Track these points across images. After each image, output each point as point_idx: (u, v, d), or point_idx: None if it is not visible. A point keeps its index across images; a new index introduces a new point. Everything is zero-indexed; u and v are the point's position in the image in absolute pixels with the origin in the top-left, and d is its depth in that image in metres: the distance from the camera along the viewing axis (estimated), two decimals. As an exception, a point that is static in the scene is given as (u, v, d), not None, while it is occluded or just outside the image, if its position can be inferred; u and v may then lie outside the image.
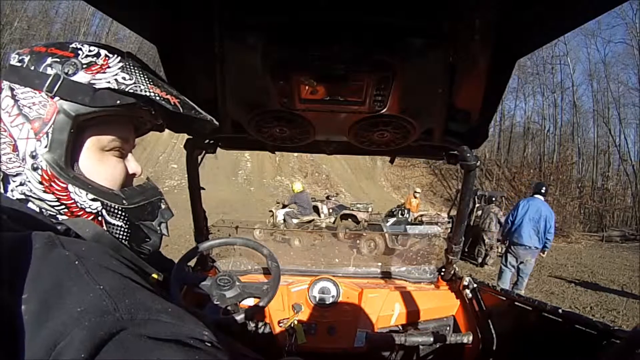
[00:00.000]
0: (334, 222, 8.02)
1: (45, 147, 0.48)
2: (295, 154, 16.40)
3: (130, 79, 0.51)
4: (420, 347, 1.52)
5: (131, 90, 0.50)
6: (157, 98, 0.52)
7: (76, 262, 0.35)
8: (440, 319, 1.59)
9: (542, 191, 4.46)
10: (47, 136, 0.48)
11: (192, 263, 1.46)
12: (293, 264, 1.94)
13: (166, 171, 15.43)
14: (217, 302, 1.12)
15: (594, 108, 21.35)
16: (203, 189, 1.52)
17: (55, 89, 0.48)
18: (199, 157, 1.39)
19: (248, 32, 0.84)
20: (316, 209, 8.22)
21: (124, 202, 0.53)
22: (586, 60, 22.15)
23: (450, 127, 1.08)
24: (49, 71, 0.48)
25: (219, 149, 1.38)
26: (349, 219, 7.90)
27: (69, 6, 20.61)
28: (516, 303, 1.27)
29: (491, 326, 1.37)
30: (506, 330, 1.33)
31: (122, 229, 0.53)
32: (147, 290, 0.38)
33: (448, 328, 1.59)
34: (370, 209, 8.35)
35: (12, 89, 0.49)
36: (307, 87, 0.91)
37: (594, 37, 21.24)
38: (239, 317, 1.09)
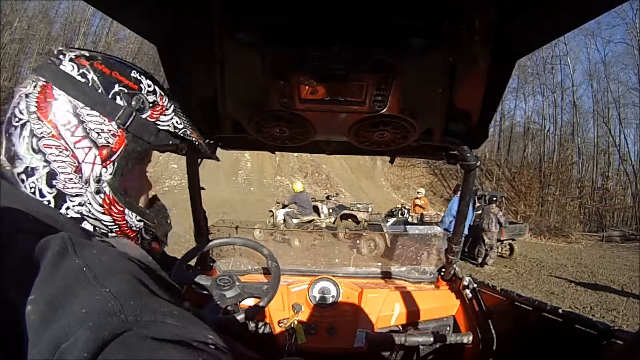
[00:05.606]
0: (334, 222, 8.01)
1: (110, 174, 0.51)
2: (295, 154, 16.39)
3: (180, 124, 0.58)
4: (420, 347, 1.51)
5: (182, 135, 0.58)
6: (197, 143, 0.61)
7: (84, 269, 0.36)
8: (440, 319, 1.59)
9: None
10: (113, 164, 0.51)
11: (192, 263, 1.47)
12: (293, 264, 1.93)
13: (166, 171, 15.40)
14: (217, 302, 1.12)
15: (594, 108, 21.36)
16: (203, 189, 1.52)
17: (128, 124, 0.50)
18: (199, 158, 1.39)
19: (248, 32, 0.83)
20: (316, 209, 8.20)
21: (155, 221, 0.60)
22: (586, 60, 22.17)
23: (450, 127, 1.08)
24: (119, 101, 0.50)
25: (219, 149, 1.38)
26: (349, 219, 7.89)
27: (69, 6, 20.63)
28: (516, 303, 1.27)
29: (491, 326, 1.37)
30: (506, 330, 1.33)
31: (150, 242, 0.60)
32: (156, 295, 0.38)
33: (448, 328, 1.59)
34: (370, 209, 8.34)
35: (74, 107, 0.47)
36: (307, 87, 0.91)
37: (594, 37, 21.26)
38: (239, 317, 1.09)
